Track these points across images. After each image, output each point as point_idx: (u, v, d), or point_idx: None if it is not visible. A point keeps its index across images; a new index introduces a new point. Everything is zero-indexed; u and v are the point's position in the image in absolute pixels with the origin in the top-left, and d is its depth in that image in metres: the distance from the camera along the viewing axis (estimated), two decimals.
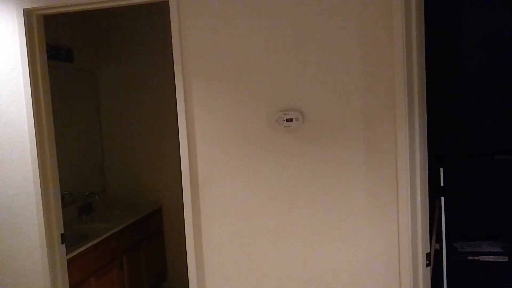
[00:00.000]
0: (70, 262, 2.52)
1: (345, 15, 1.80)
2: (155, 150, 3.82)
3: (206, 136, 1.98)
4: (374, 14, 1.78)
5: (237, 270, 2.01)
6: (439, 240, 2.52)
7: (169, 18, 1.97)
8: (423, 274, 1.84)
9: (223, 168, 1.98)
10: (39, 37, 2.23)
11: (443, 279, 2.49)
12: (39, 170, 2.20)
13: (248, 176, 1.96)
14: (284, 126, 1.88)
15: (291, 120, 1.87)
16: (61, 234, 2.32)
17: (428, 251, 1.87)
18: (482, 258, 2.44)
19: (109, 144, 3.90)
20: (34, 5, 2.13)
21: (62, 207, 2.39)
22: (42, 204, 2.22)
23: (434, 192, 2.39)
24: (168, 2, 1.97)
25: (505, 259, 2.43)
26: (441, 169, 2.52)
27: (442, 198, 2.51)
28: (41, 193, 2.21)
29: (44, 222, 2.23)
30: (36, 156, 2.20)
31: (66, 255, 2.41)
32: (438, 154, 2.53)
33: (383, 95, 1.80)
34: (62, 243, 2.33)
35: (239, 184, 1.97)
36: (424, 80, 1.84)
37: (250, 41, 1.90)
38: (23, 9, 2.15)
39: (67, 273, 2.37)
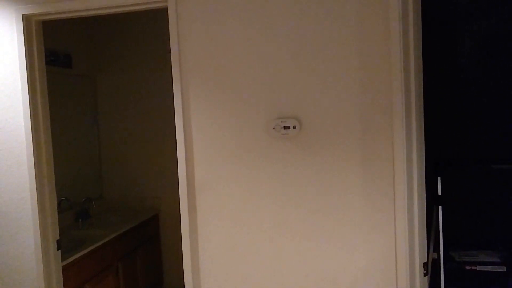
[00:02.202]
0: (65, 269, 2.50)
1: (343, 23, 1.81)
2: (152, 157, 3.81)
3: (203, 142, 1.98)
4: (372, 22, 1.78)
5: (233, 277, 2.00)
6: (436, 249, 2.51)
7: (168, 24, 1.98)
8: (420, 283, 1.83)
9: (220, 175, 1.97)
10: (38, 42, 2.24)
11: None
12: (35, 176, 2.20)
13: (245, 183, 1.95)
14: (282, 134, 1.88)
15: (288, 127, 1.87)
16: (57, 241, 2.31)
17: (426, 260, 1.86)
18: (480, 267, 2.43)
19: (107, 150, 3.89)
20: (33, 11, 2.14)
21: (59, 213, 2.37)
22: (38, 210, 2.21)
23: (431, 201, 2.38)
24: (167, 9, 1.98)
25: (502, 269, 2.42)
26: (439, 178, 2.52)
27: (440, 207, 2.50)
28: (37, 199, 2.20)
29: (40, 228, 2.21)
30: (33, 162, 2.19)
31: (62, 261, 2.40)
32: (435, 163, 2.53)
33: (381, 103, 1.80)
34: (57, 250, 2.31)
35: (236, 191, 1.96)
36: (422, 88, 1.85)
37: (248, 48, 1.91)
38: (22, 15, 2.15)
39: (62, 280, 2.35)
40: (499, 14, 2.68)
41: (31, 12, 2.14)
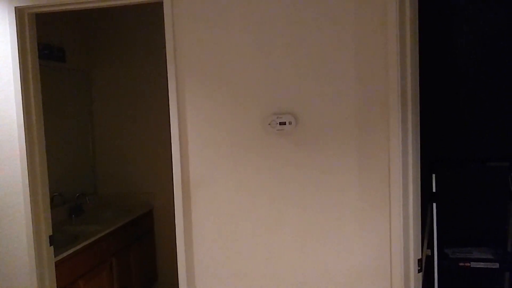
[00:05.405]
0: (58, 265, 2.48)
1: (340, 20, 1.80)
2: (147, 152, 3.79)
3: (198, 138, 1.97)
4: (369, 20, 1.78)
5: (228, 273, 1.99)
6: (430, 246, 2.53)
7: (163, 19, 1.96)
8: (415, 280, 1.84)
9: (215, 171, 1.96)
10: (31, 35, 2.21)
11: (434, 285, 2.49)
12: (28, 170, 2.17)
13: (240, 179, 1.95)
14: (277, 130, 1.87)
15: (284, 123, 1.86)
16: (50, 236, 2.29)
17: (420, 257, 1.87)
18: (473, 264, 2.45)
19: (101, 145, 3.86)
20: (26, 4, 2.11)
21: (52, 208, 2.35)
22: (31, 205, 2.18)
23: (426, 198, 2.39)
24: (162, 3, 1.96)
25: (495, 265, 2.44)
26: (433, 175, 2.53)
27: (434, 204, 2.51)
28: (30, 194, 2.18)
29: (32, 223, 2.19)
30: (25, 156, 2.16)
31: (55, 257, 2.38)
32: (430, 160, 2.54)
33: (377, 100, 1.80)
34: (50, 245, 2.29)
35: (231, 187, 1.96)
36: (418, 85, 1.85)
37: (244, 43, 1.89)
38: (15, 7, 2.12)
39: (55, 276, 2.34)
40: (496, 13, 2.69)
41: (23, 5, 2.11)
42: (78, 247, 2.76)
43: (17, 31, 2.14)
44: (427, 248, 2.59)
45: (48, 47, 3.26)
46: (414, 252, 1.83)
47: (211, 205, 1.98)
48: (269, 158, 1.91)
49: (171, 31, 1.95)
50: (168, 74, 1.97)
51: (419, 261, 1.86)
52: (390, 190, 1.81)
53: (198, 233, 2.00)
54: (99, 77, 3.83)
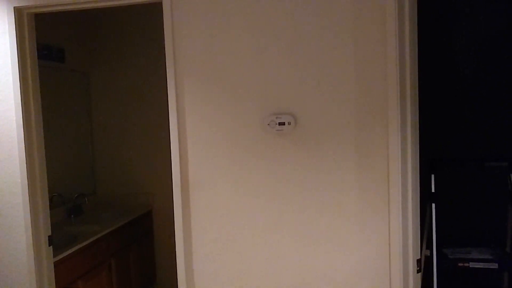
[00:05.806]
0: (57, 265, 2.48)
1: (340, 20, 1.80)
2: (146, 152, 3.79)
3: (197, 139, 1.97)
4: (368, 20, 1.78)
5: (227, 275, 1.99)
6: (429, 246, 2.53)
7: (163, 19, 1.96)
8: (414, 280, 1.84)
9: (215, 172, 1.96)
10: (30, 36, 2.21)
11: (433, 285, 2.49)
12: (26, 171, 2.17)
13: (239, 180, 1.95)
14: (277, 130, 1.87)
15: (283, 124, 1.86)
16: (49, 236, 2.29)
17: (419, 257, 1.87)
18: (472, 264, 2.45)
19: (100, 145, 3.86)
20: (25, 4, 2.11)
21: (51, 209, 2.35)
22: (30, 205, 2.18)
23: (425, 198, 2.39)
24: (161, 3, 1.96)
25: (494, 266, 2.44)
26: (432, 175, 2.53)
27: (433, 204, 2.51)
28: (29, 194, 2.18)
29: (31, 223, 2.19)
30: (24, 157, 2.16)
31: (54, 257, 2.38)
32: (429, 160, 2.54)
33: (376, 101, 1.80)
34: (49, 245, 2.29)
35: (230, 188, 1.96)
36: (417, 85, 1.85)
37: (243, 43, 1.89)
38: (14, 7, 2.12)
39: (54, 276, 2.33)
40: (496, 10, 2.69)
41: (22, 5, 2.11)
42: (77, 247, 2.76)
43: (16, 32, 2.14)
44: (426, 248, 2.59)
45: (47, 48, 3.26)
46: (413, 252, 1.83)
47: (210, 206, 1.98)
48: (268, 158, 1.91)
49: (171, 31, 1.95)
50: (167, 75, 1.97)
51: (418, 261, 1.86)
52: (389, 190, 1.81)
53: (197, 234, 2.00)
54: (99, 77, 3.83)
